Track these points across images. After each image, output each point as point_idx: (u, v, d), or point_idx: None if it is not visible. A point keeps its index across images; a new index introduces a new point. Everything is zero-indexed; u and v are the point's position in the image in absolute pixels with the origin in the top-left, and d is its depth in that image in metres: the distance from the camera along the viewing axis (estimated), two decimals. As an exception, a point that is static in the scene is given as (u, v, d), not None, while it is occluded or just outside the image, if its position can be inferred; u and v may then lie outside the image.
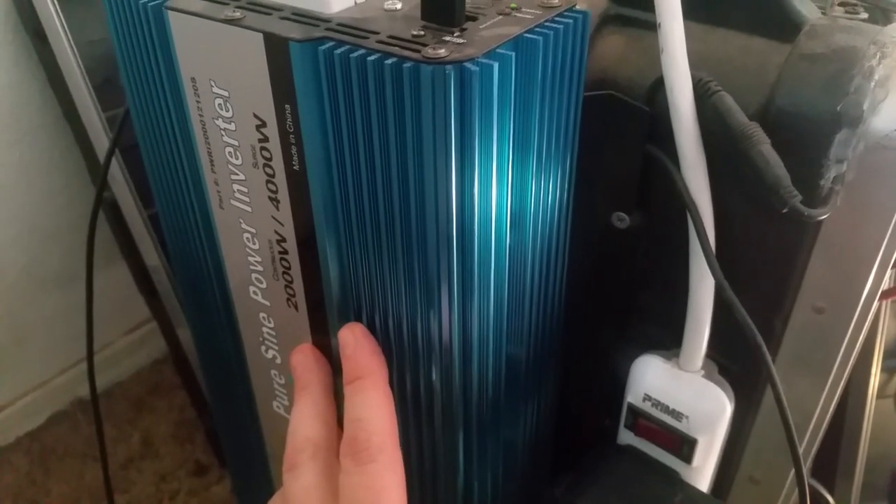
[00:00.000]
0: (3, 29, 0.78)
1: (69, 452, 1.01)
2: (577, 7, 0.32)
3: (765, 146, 0.31)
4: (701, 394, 0.39)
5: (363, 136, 0.30)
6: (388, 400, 0.34)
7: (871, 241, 0.33)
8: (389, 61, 0.27)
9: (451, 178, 0.28)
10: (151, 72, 0.37)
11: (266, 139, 0.33)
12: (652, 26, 0.33)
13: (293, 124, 0.32)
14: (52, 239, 0.94)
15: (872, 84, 0.31)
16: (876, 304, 0.36)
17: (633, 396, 0.41)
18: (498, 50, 0.28)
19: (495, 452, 0.42)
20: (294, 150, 0.33)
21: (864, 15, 0.36)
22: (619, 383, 0.43)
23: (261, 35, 0.30)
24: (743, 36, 0.35)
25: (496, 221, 0.32)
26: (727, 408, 0.39)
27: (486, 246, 0.32)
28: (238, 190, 0.37)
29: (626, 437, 0.43)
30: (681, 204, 0.35)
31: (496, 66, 0.27)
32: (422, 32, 0.28)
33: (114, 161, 0.71)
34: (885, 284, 0.36)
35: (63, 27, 0.69)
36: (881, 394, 0.64)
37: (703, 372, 0.40)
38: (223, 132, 0.35)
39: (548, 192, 0.35)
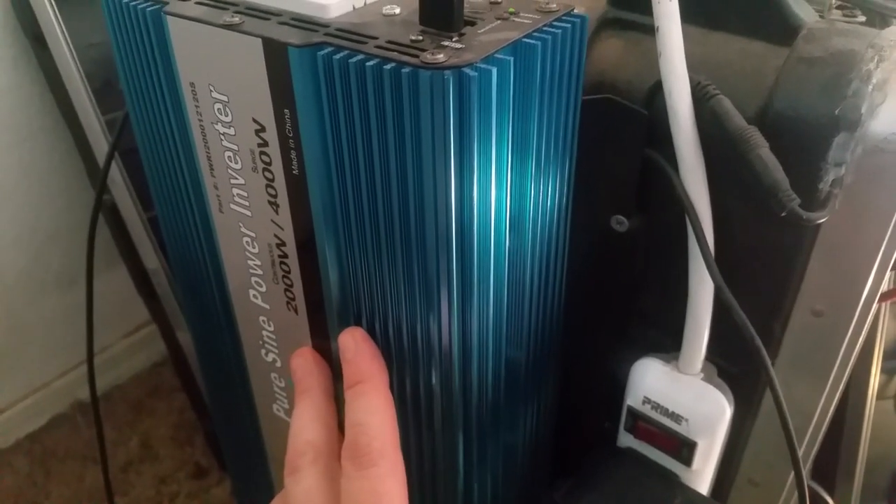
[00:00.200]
0: (2, 33, 0.78)
1: (69, 455, 1.01)
2: (576, 11, 0.32)
3: (763, 150, 0.31)
4: (700, 396, 0.39)
5: (362, 140, 0.30)
6: (388, 404, 0.35)
7: (870, 244, 0.33)
8: (388, 66, 0.27)
9: (451, 182, 0.28)
10: (150, 76, 0.37)
11: (265, 144, 0.33)
12: (650, 30, 0.33)
13: (292, 129, 0.32)
14: (51, 241, 0.94)
15: (870, 87, 0.31)
16: (875, 305, 0.36)
17: (633, 399, 0.41)
18: (496, 55, 0.28)
19: (495, 455, 0.42)
20: (293, 154, 0.33)
21: (862, 18, 0.36)
22: (618, 386, 0.43)
23: (260, 40, 0.30)
24: (741, 39, 0.35)
25: (495, 225, 0.32)
26: (727, 410, 0.39)
27: (486, 249, 0.32)
28: (237, 194, 0.37)
29: (625, 439, 0.43)
30: (680, 207, 0.35)
31: (494, 71, 0.27)
32: (420, 37, 0.29)
33: (113, 164, 0.71)
34: (885, 286, 0.36)
35: (62, 31, 0.69)
36: (881, 395, 0.64)
37: (702, 375, 0.40)
38: (222, 137, 0.35)
39: (547, 195, 0.35)
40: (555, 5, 0.32)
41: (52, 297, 0.97)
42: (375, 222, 0.32)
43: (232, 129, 0.34)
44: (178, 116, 0.37)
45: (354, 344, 0.36)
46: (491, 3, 0.32)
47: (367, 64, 0.27)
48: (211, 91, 0.34)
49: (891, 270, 0.35)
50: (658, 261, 0.40)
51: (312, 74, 0.29)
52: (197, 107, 0.35)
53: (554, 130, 0.34)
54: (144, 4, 0.34)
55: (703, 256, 0.34)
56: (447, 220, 0.30)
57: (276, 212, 0.36)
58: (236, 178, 0.36)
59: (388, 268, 0.33)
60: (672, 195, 0.35)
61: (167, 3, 0.34)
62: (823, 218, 0.32)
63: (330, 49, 0.29)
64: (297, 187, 0.34)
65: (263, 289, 0.40)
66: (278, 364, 0.44)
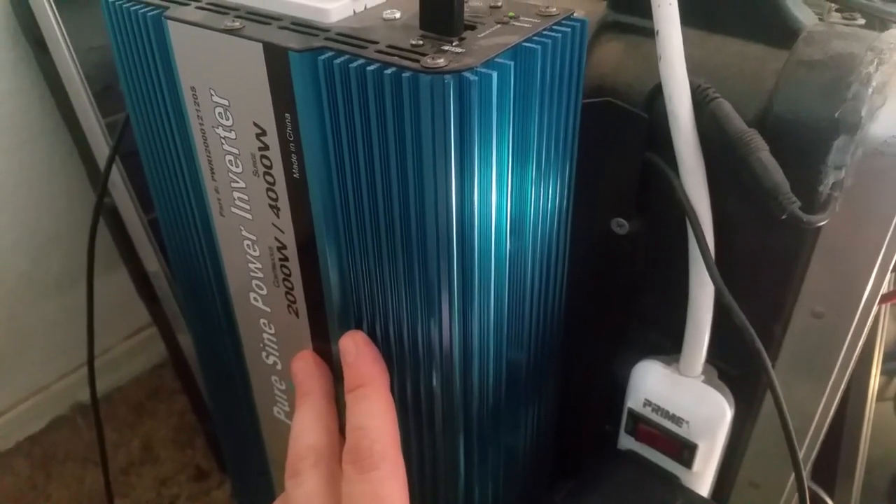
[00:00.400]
0: (2, 36, 0.78)
1: (69, 457, 1.01)
2: (575, 15, 0.32)
3: (763, 153, 0.31)
4: (701, 399, 0.39)
5: (363, 144, 0.30)
6: (390, 408, 0.35)
7: (870, 247, 0.33)
8: (389, 71, 0.27)
9: (451, 185, 0.29)
10: (151, 81, 0.37)
11: (266, 147, 0.33)
12: (650, 33, 0.33)
13: (293, 133, 0.32)
14: (52, 244, 0.94)
15: (870, 90, 0.31)
16: (875, 307, 0.36)
17: (634, 401, 0.41)
18: (496, 59, 0.28)
19: (496, 457, 0.42)
20: (294, 158, 0.33)
21: (861, 21, 0.36)
22: (619, 388, 0.43)
23: (260, 45, 0.30)
24: (741, 42, 0.35)
25: (496, 228, 0.32)
26: (727, 413, 0.39)
27: (486, 252, 0.32)
28: (238, 198, 0.37)
29: (626, 442, 0.43)
30: (680, 210, 0.35)
31: (495, 75, 0.27)
32: (421, 42, 0.29)
33: (114, 167, 0.71)
34: (885, 288, 0.36)
35: (63, 34, 0.69)
36: (881, 396, 0.64)
37: (703, 377, 0.40)
38: (223, 140, 0.35)
39: (547, 198, 0.35)
40: (555, 9, 0.32)
41: (52, 300, 0.97)
42: (376, 225, 0.32)
43: (233, 132, 0.34)
44: (178, 120, 0.37)
45: (355, 347, 0.36)
46: (491, 7, 0.32)
47: (368, 69, 0.28)
48: (212, 95, 0.34)
49: (891, 272, 0.35)
50: (658, 263, 0.40)
51: (313, 79, 0.29)
52: (198, 111, 0.35)
53: (554, 134, 0.34)
54: (145, 9, 0.34)
55: (703, 259, 0.35)
56: (448, 224, 0.30)
57: (277, 215, 0.36)
58: (237, 182, 0.36)
59: (388, 271, 0.33)
60: (672, 198, 0.35)
61: (168, 8, 0.34)
62: (824, 220, 0.32)
63: (330, 54, 0.29)
64: (297, 191, 0.34)
65: (264, 292, 0.40)
66: (279, 367, 0.44)
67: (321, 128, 0.31)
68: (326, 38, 0.30)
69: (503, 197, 0.31)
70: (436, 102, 0.27)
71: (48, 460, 1.00)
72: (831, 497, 0.58)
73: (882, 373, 0.59)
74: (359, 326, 0.37)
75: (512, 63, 0.28)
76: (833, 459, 0.60)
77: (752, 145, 0.31)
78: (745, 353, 0.34)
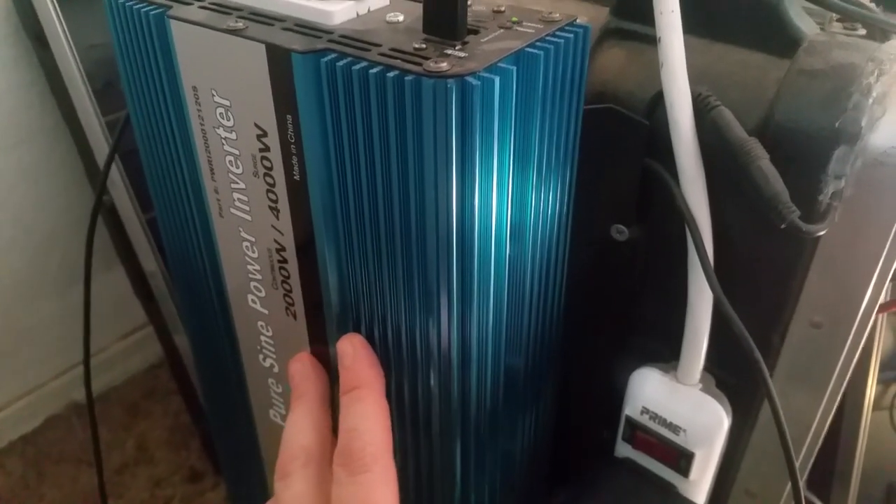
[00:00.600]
0: (3, 33, 0.78)
1: (64, 457, 1.00)
2: (578, 21, 0.32)
3: (763, 161, 0.31)
4: (699, 407, 0.39)
5: (364, 147, 0.30)
6: (384, 411, 0.34)
7: (869, 257, 0.33)
8: (391, 74, 0.27)
9: (452, 190, 0.29)
10: (153, 80, 0.37)
11: (267, 149, 0.33)
12: (652, 40, 0.33)
13: (294, 134, 0.32)
14: (49, 242, 0.94)
15: (870, 101, 0.31)
16: (873, 317, 0.36)
17: (631, 409, 0.41)
18: (499, 64, 0.28)
19: (493, 463, 0.42)
20: (295, 160, 0.33)
21: (862, 31, 0.36)
22: (616, 395, 0.43)
23: (263, 46, 0.30)
24: (742, 51, 0.35)
25: (496, 233, 0.32)
26: (725, 421, 0.39)
27: (486, 257, 0.32)
28: (238, 198, 0.37)
29: (623, 449, 0.43)
30: (680, 217, 0.35)
31: (497, 80, 0.27)
32: (423, 45, 0.29)
33: (113, 165, 0.71)
34: (883, 297, 0.36)
35: (64, 31, 0.69)
36: (877, 406, 0.64)
37: (700, 385, 0.40)
38: (224, 141, 0.35)
39: (547, 204, 0.35)
40: (557, 15, 0.32)
41: (48, 298, 0.97)
42: (376, 229, 0.32)
43: (233, 133, 0.34)
44: (179, 120, 0.37)
45: (353, 350, 0.36)
46: (494, 12, 0.32)
47: (371, 71, 0.27)
48: (213, 95, 0.34)
49: (890, 282, 0.35)
50: (657, 271, 0.40)
51: (315, 81, 0.29)
52: (199, 111, 0.35)
53: (555, 139, 0.34)
54: (148, 8, 0.34)
55: (702, 267, 0.35)
56: (448, 228, 0.30)
57: (277, 217, 0.36)
58: (237, 183, 0.36)
59: (388, 274, 0.33)
60: (672, 205, 0.35)
61: (171, 7, 0.34)
62: (823, 230, 0.32)
63: (333, 56, 0.29)
64: (297, 193, 0.34)
65: (262, 294, 0.40)
66: (276, 369, 0.44)
67: (322, 130, 0.31)
68: (329, 40, 0.30)
69: (504, 202, 0.31)
70: (438, 106, 0.27)
71: (42, 460, 1.00)
72: (826, 506, 0.58)
73: (878, 382, 0.59)
74: (357, 329, 0.37)
75: (514, 68, 0.28)
76: (829, 468, 0.60)
77: (752, 154, 0.31)
78: (742, 362, 0.34)
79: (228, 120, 0.34)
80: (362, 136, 0.29)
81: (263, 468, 0.54)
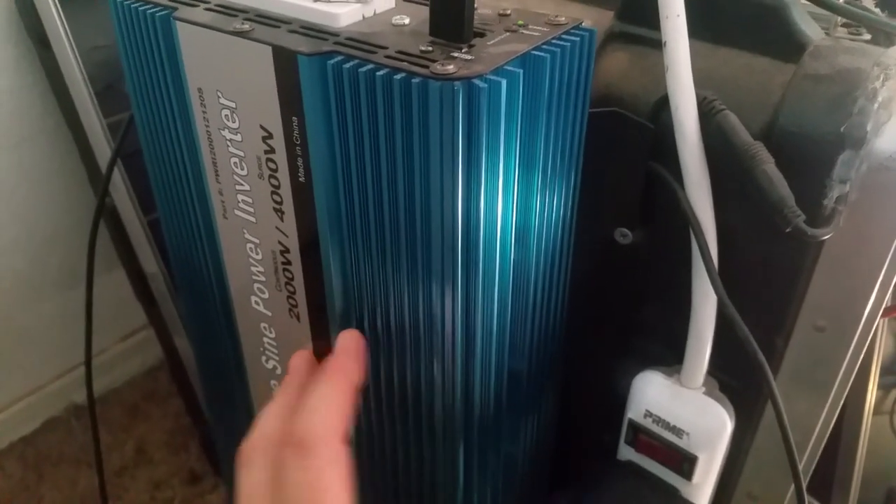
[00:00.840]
0: (5, 34, 0.78)
1: (63, 459, 1.00)
2: (584, 24, 0.32)
3: (768, 165, 0.31)
4: (702, 411, 0.39)
5: (370, 149, 0.30)
6: (345, 399, 0.34)
7: (874, 261, 0.33)
8: (398, 76, 0.27)
9: (458, 192, 0.29)
10: (158, 81, 0.37)
11: (272, 150, 0.33)
12: (657, 44, 0.33)
13: (300, 136, 0.32)
14: (50, 244, 0.93)
15: (876, 105, 0.31)
16: (877, 321, 0.36)
17: (634, 412, 0.41)
18: (506, 67, 0.28)
19: (495, 466, 0.42)
20: (300, 161, 0.33)
21: (867, 36, 0.36)
22: (619, 399, 0.43)
23: (269, 48, 0.30)
24: (747, 55, 0.35)
25: (501, 235, 0.32)
26: (728, 425, 0.39)
27: (491, 259, 0.32)
28: (242, 200, 0.37)
29: (626, 452, 0.43)
30: (684, 221, 0.35)
31: (504, 82, 0.27)
32: (430, 48, 0.29)
33: (114, 168, 0.71)
34: (887, 302, 0.36)
35: (66, 33, 0.69)
36: (877, 410, 0.64)
37: (704, 389, 0.40)
38: (229, 143, 0.35)
39: (552, 206, 0.35)
40: (563, 18, 0.32)
41: (49, 300, 0.97)
42: (381, 230, 0.32)
43: (239, 135, 0.34)
44: (184, 121, 0.37)
45: (347, 343, 0.36)
46: (500, 15, 0.32)
47: (377, 73, 0.28)
48: (219, 97, 0.34)
49: (894, 286, 0.35)
50: (661, 274, 0.40)
51: (322, 83, 0.29)
52: (204, 112, 0.35)
53: (560, 142, 0.34)
54: (154, 9, 0.34)
55: (706, 270, 0.35)
56: (453, 231, 0.30)
57: (281, 218, 0.36)
58: (241, 185, 0.36)
59: (392, 276, 0.33)
60: (676, 209, 0.35)
61: (177, 9, 0.34)
62: (828, 234, 0.32)
63: (340, 58, 0.29)
64: (302, 195, 0.34)
65: (266, 295, 0.40)
66: (279, 371, 0.44)
67: (328, 132, 0.31)
68: (336, 43, 0.30)
69: (509, 204, 0.31)
70: (444, 109, 0.27)
71: (41, 462, 1.00)
72: (828, 510, 0.58)
73: (879, 386, 0.59)
74: (360, 330, 0.37)
75: (521, 71, 0.28)
76: (829, 472, 0.60)
77: (757, 158, 0.31)
78: (746, 366, 0.34)
79: (234, 122, 0.34)
80: (368, 138, 0.29)
81: (265, 470, 0.54)
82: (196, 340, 0.53)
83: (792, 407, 0.39)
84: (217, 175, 0.37)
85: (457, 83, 0.26)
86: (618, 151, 0.37)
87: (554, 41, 0.31)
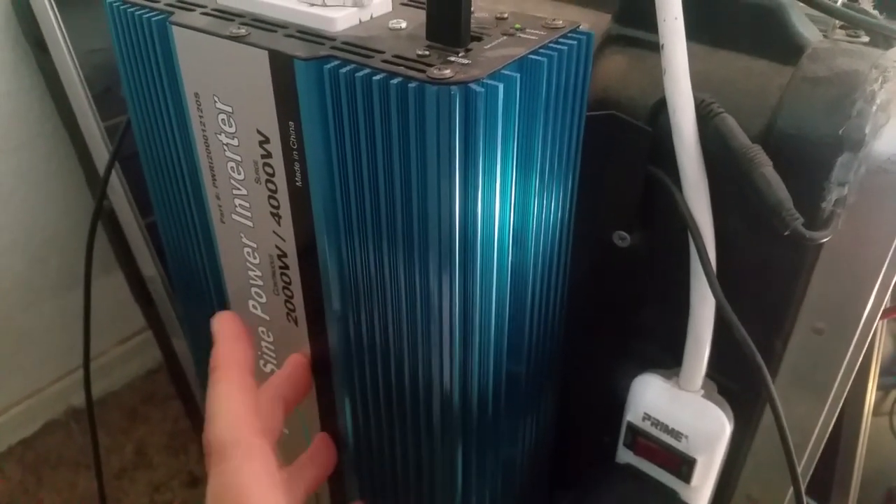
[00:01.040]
0: (3, 37, 0.78)
1: (62, 461, 1.00)
2: (581, 28, 0.32)
3: (767, 168, 0.31)
4: (700, 413, 0.39)
5: (367, 153, 0.30)
6: (240, 390, 0.33)
7: (872, 264, 0.33)
8: (395, 81, 0.27)
9: (455, 196, 0.28)
10: (154, 86, 0.37)
11: (269, 155, 0.33)
12: (654, 47, 0.33)
13: (297, 141, 0.32)
14: (48, 247, 0.93)
15: (874, 108, 0.31)
16: (876, 323, 0.36)
17: (633, 415, 0.41)
18: (503, 71, 0.28)
19: (494, 469, 0.42)
20: (297, 166, 0.33)
21: (866, 39, 0.36)
22: (617, 401, 0.43)
23: (266, 52, 0.30)
24: (745, 58, 0.35)
25: (499, 239, 0.32)
26: (727, 428, 0.39)
27: (489, 263, 0.32)
28: (239, 205, 0.37)
29: (624, 455, 0.43)
30: (682, 224, 0.35)
31: (501, 87, 0.27)
32: (427, 52, 0.29)
33: (112, 170, 0.71)
34: (886, 303, 0.36)
35: (63, 36, 0.69)
36: (876, 411, 0.64)
37: (702, 391, 0.39)
38: (226, 147, 0.35)
39: (550, 210, 0.35)
40: (560, 22, 0.32)
41: (47, 303, 0.97)
42: (378, 235, 0.32)
43: (235, 139, 0.34)
44: (181, 126, 0.37)
45: (222, 329, 0.35)
46: (497, 18, 0.32)
47: (374, 78, 0.27)
48: (215, 101, 0.34)
49: (893, 288, 0.35)
50: (659, 277, 0.40)
51: (318, 87, 0.29)
52: (200, 117, 0.35)
53: (558, 146, 0.34)
54: (150, 13, 0.34)
55: (704, 273, 0.34)
56: (451, 234, 0.30)
57: (279, 223, 0.36)
58: (238, 189, 0.36)
59: (389, 280, 0.33)
60: (674, 212, 0.35)
61: (173, 13, 0.34)
62: (826, 237, 0.32)
63: (336, 62, 0.29)
64: (299, 199, 0.34)
65: (263, 300, 0.40)
66: (277, 375, 0.44)
67: (325, 136, 0.31)
68: (332, 47, 0.30)
69: (506, 208, 0.31)
70: (441, 113, 0.27)
71: (41, 464, 1.00)
72: (827, 512, 0.58)
73: (878, 388, 0.59)
74: (358, 335, 0.37)
75: (518, 75, 0.28)
76: (829, 474, 0.60)
77: (755, 161, 0.31)
78: (745, 368, 0.34)
79: (230, 126, 0.34)
80: (365, 142, 0.29)
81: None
82: (194, 344, 0.53)
83: (791, 409, 0.39)
84: (214, 179, 0.37)
85: (454, 87, 0.26)
86: (615, 155, 0.37)
87: (551, 45, 0.30)
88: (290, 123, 0.31)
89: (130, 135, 0.43)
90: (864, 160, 0.31)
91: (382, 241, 0.32)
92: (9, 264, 0.91)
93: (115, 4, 0.36)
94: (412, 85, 0.27)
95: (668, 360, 0.41)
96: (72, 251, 0.96)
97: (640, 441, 0.41)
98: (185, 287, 0.47)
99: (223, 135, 0.35)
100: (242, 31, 0.31)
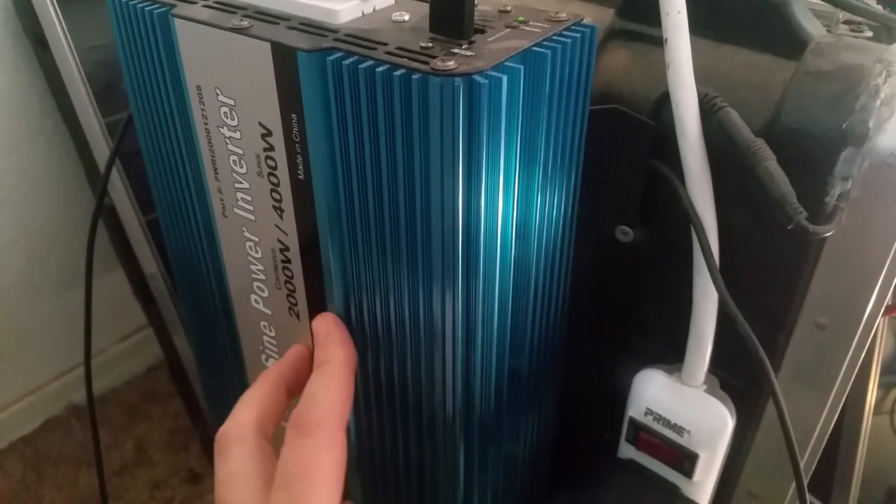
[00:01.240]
0: (3, 33, 0.78)
1: (63, 458, 1.00)
2: (585, 21, 0.32)
3: (770, 162, 0.31)
4: (703, 409, 0.39)
5: (370, 146, 0.30)
6: (343, 384, 0.34)
7: (875, 259, 0.33)
8: (398, 73, 0.27)
9: (458, 189, 0.28)
10: (156, 79, 0.37)
11: (271, 148, 0.33)
12: (657, 41, 0.33)
13: (299, 133, 0.32)
14: (49, 244, 0.93)
15: (878, 102, 0.31)
16: (879, 319, 0.36)
17: (635, 410, 0.41)
18: (506, 63, 0.28)
19: (496, 464, 0.41)
20: (299, 159, 0.32)
21: (869, 33, 0.36)
22: (620, 397, 0.43)
23: (268, 45, 0.30)
24: (749, 52, 0.35)
25: (502, 233, 0.32)
26: (729, 423, 0.39)
27: (492, 257, 0.32)
28: (242, 198, 0.37)
29: (626, 450, 0.43)
30: (685, 218, 0.35)
31: (505, 79, 0.27)
32: (430, 44, 0.29)
33: (113, 167, 0.71)
34: (889, 299, 0.36)
35: (64, 32, 0.69)
36: (878, 410, 0.64)
37: (705, 387, 0.39)
38: (228, 140, 0.35)
39: (553, 204, 0.35)
40: (564, 15, 0.32)
41: (47, 300, 0.97)
42: (381, 228, 0.32)
43: (238, 132, 0.34)
44: (183, 119, 0.37)
45: (325, 329, 0.36)
46: (500, 11, 0.32)
47: (377, 70, 0.27)
48: (217, 94, 0.34)
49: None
50: (662, 272, 0.40)
51: (321, 79, 0.29)
52: (203, 110, 0.35)
53: (561, 139, 0.34)
54: (151, 7, 0.34)
55: (707, 268, 0.34)
56: (453, 228, 0.30)
57: (281, 216, 0.35)
58: (241, 182, 0.36)
59: (392, 274, 0.33)
60: (678, 206, 0.35)
61: (175, 6, 0.34)
62: (830, 231, 0.32)
63: (339, 54, 0.29)
64: (302, 192, 0.34)
65: (265, 294, 0.40)
66: (278, 370, 0.44)
67: (328, 129, 0.31)
68: (335, 39, 0.30)
69: (509, 202, 0.31)
70: (445, 105, 0.26)
71: (41, 461, 1.00)
72: (828, 509, 0.57)
73: (879, 386, 0.59)
74: (361, 328, 0.37)
75: (522, 67, 0.28)
76: (829, 472, 0.60)
77: (759, 155, 0.31)
78: (747, 364, 0.34)
79: (233, 119, 0.34)
80: (368, 134, 0.29)
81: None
82: (195, 340, 0.53)
83: (793, 405, 0.39)
84: (216, 173, 0.37)
85: (457, 79, 0.26)
86: (619, 149, 0.37)
87: (555, 38, 0.30)
88: (293, 116, 0.31)
89: (131, 132, 0.43)
90: (867, 155, 0.31)
91: (385, 234, 0.32)
92: (9, 262, 0.91)
93: (117, -2, 0.36)
94: (416, 77, 0.27)
95: (671, 356, 0.41)
96: (72, 249, 0.96)
97: (643, 436, 0.41)
98: (187, 282, 0.47)
99: (225, 128, 0.35)
100: (245, 23, 0.31)
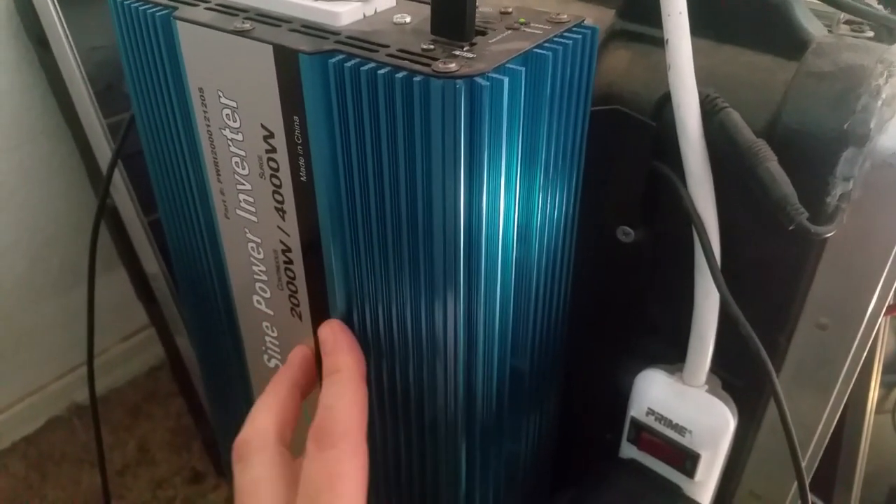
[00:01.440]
0: (5, 34, 0.78)
1: (66, 458, 1.00)
2: (586, 22, 0.32)
3: (772, 163, 0.31)
4: (704, 409, 0.39)
5: (372, 148, 0.30)
6: (358, 392, 0.34)
7: (877, 259, 0.33)
8: (400, 75, 0.27)
9: (460, 191, 0.28)
10: (158, 81, 0.37)
11: (274, 150, 0.33)
12: (658, 42, 0.33)
13: (301, 135, 0.32)
14: (51, 244, 0.94)
15: (879, 102, 0.31)
16: (880, 319, 0.36)
17: (637, 410, 0.41)
18: (508, 65, 0.28)
19: (497, 465, 0.42)
20: (302, 161, 0.33)
21: (871, 33, 0.36)
22: (622, 397, 0.43)
23: (270, 47, 0.30)
24: (750, 53, 0.35)
25: (503, 234, 0.32)
26: (731, 423, 0.39)
27: (493, 258, 0.32)
28: (244, 200, 0.37)
29: (628, 450, 0.43)
30: (686, 219, 0.35)
31: (506, 80, 0.27)
32: (431, 46, 0.29)
33: (115, 168, 0.71)
34: (890, 299, 0.36)
35: (65, 33, 0.69)
36: (880, 409, 0.64)
37: (706, 387, 0.39)
38: (230, 142, 0.35)
39: (554, 205, 0.35)
40: (565, 16, 0.32)
41: (50, 301, 0.97)
42: (383, 230, 0.32)
43: (240, 134, 0.34)
44: (185, 121, 0.37)
45: (333, 337, 0.36)
46: (502, 13, 0.32)
47: (379, 72, 0.27)
48: (219, 96, 0.34)
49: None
50: (664, 272, 0.40)
51: (323, 82, 0.29)
52: (205, 112, 0.35)
53: (563, 140, 0.34)
54: (154, 9, 0.34)
55: (709, 268, 0.34)
56: (455, 229, 0.30)
57: (283, 218, 0.36)
58: (243, 184, 0.36)
59: (394, 275, 0.33)
60: (679, 207, 0.35)
61: (177, 8, 0.34)
62: (831, 232, 0.32)
63: (341, 56, 0.29)
64: (304, 194, 0.34)
65: (268, 294, 0.40)
66: (281, 370, 0.44)
67: (330, 131, 0.31)
68: (337, 41, 0.30)
69: (511, 203, 0.31)
70: (447, 107, 0.27)
71: (44, 461, 1.00)
72: (830, 509, 0.57)
73: (881, 385, 0.59)
74: (363, 329, 0.37)
75: (523, 69, 0.28)
76: (831, 471, 0.60)
77: (760, 155, 0.31)
78: (749, 364, 0.34)
79: (235, 121, 0.34)
80: (370, 136, 0.29)
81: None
82: (198, 340, 0.53)
83: (794, 405, 0.39)
84: (218, 174, 0.37)
85: (459, 81, 0.26)
86: (620, 149, 0.37)
87: (556, 39, 0.30)
88: (295, 118, 0.31)
89: (133, 132, 0.43)
90: (868, 155, 0.31)
91: (387, 236, 0.32)
92: (11, 262, 0.91)
93: (118, 0, 0.36)
94: (417, 79, 0.27)
95: (672, 356, 0.41)
96: (74, 249, 0.96)
97: (644, 436, 0.41)
98: (189, 283, 0.47)
99: (227, 130, 0.35)
100: (247, 25, 0.31)
